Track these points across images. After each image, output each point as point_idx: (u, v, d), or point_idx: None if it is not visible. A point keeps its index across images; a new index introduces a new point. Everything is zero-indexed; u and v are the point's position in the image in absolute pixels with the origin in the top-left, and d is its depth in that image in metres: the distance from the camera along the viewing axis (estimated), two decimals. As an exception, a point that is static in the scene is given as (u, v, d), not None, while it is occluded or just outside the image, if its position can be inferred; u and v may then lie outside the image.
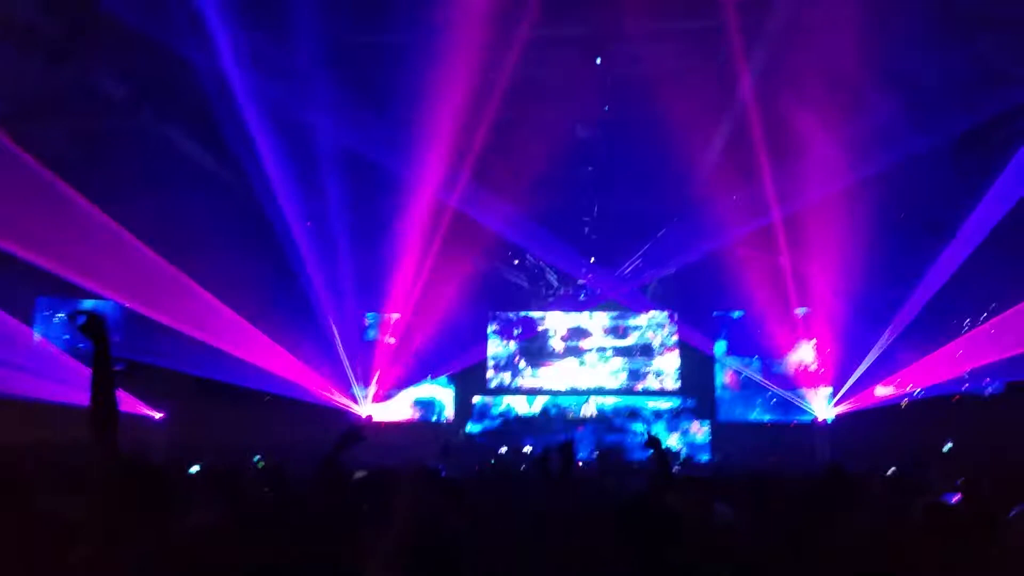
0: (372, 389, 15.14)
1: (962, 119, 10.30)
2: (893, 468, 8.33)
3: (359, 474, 4.90)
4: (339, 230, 13.15)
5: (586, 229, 14.39)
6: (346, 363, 14.65)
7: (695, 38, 9.83)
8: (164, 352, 12.37)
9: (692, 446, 14.68)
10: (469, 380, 15.67)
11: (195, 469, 6.09)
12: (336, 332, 14.38)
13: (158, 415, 13.29)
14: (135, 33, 8.68)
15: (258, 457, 9.24)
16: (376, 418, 15.00)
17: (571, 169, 12.46)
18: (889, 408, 13.61)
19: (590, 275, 15.31)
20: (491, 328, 15.75)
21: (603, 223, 14.16)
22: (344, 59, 9.79)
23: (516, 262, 15.42)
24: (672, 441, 14.60)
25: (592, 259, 14.97)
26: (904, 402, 13.57)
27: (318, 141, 11.28)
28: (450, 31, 9.05)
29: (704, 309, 15.31)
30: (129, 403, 12.52)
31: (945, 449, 10.01)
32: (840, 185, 11.38)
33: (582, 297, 15.63)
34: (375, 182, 12.06)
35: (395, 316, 15.15)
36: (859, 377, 13.90)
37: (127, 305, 12.48)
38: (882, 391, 13.80)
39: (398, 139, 10.98)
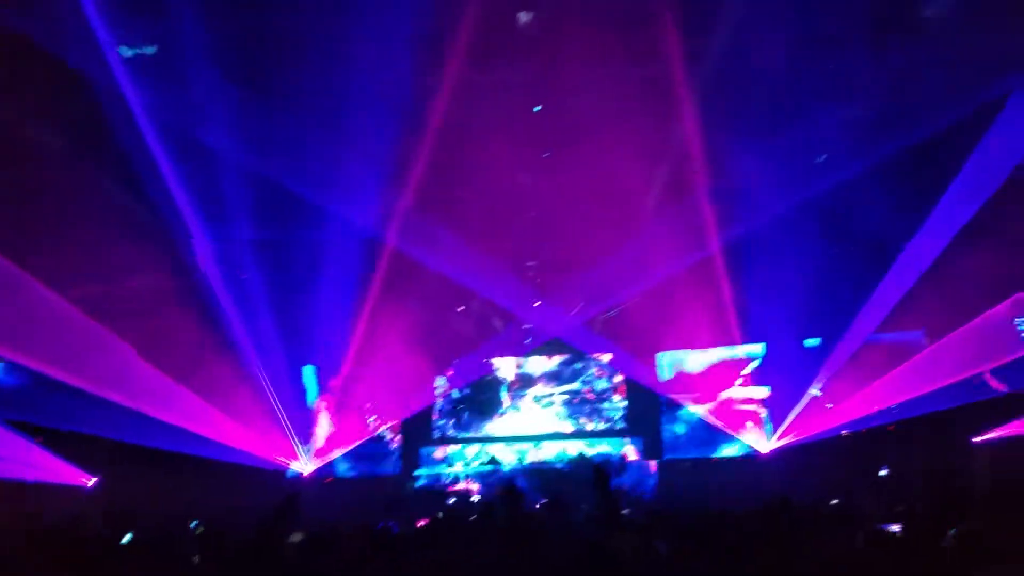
0: (313, 445, 14.70)
1: (902, 137, 10.58)
2: (835, 500, 8.50)
3: (295, 537, 4.77)
4: (265, 274, 12.74)
5: (530, 273, 14.40)
6: (284, 420, 14.12)
7: (634, 81, 10.00)
8: (91, 419, 11.80)
9: (641, 484, 14.66)
10: (415, 430, 15.43)
11: (127, 539, 5.86)
12: (270, 388, 13.80)
13: (90, 483, 12.74)
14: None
15: (195, 523, 8.92)
16: (320, 474, 14.61)
17: (513, 211, 12.41)
18: (830, 440, 13.82)
19: (536, 318, 15.25)
20: (436, 375, 15.60)
21: (547, 265, 14.12)
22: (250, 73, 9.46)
23: (461, 308, 15.31)
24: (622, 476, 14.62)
25: (537, 303, 14.99)
26: (844, 432, 13.81)
27: (229, 169, 10.82)
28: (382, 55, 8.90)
29: (649, 348, 15.40)
30: (61, 472, 12.00)
31: (881, 474, 10.26)
32: (780, 213, 11.63)
33: (528, 340, 15.61)
34: (299, 218, 11.72)
35: (334, 368, 14.72)
36: (801, 409, 14.09)
37: (43, 370, 11.73)
38: (823, 422, 14.00)
39: (325, 172, 10.70)
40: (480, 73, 9.46)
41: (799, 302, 12.98)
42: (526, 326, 15.43)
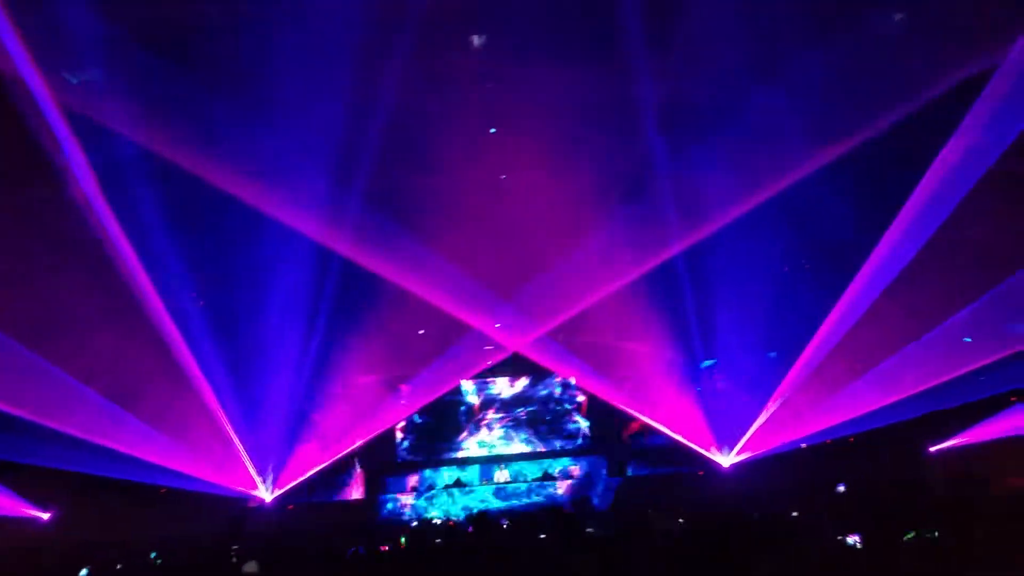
0: (271, 473, 14.30)
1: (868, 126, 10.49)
2: (795, 512, 8.60)
3: (249, 567, 4.70)
4: (209, 289, 12.30)
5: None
6: (240, 447, 13.69)
7: (597, 76, 9.96)
8: (44, 452, 11.46)
9: (603, 501, 14.69)
10: (377, 453, 15.27)
11: (84, 573, 5.73)
12: (224, 415, 13.32)
13: (46, 516, 12.41)
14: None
15: (155, 554, 8.76)
16: (281, 502, 14.33)
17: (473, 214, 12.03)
18: (789, 453, 13.99)
19: (496, 332, 15.04)
20: (397, 396, 15.46)
21: (510, 273, 13.73)
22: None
23: (421, 332, 15.11)
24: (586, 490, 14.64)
25: (497, 324, 14.94)
26: (803, 446, 14.00)
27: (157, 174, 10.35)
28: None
29: (609, 364, 15.27)
30: (15, 506, 11.69)
31: (839, 490, 10.40)
32: (740, 218, 11.62)
33: (488, 352, 15.47)
34: (245, 224, 11.26)
35: (290, 392, 14.19)
36: (761, 423, 14.20)
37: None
38: (783, 436, 14.13)
39: (268, 172, 10.31)
40: (432, 60, 9.30)
41: (759, 314, 13.05)
42: (488, 347, 15.37)
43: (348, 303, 13.19)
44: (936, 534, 5.01)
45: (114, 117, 9.52)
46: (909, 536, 4.26)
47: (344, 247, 12.08)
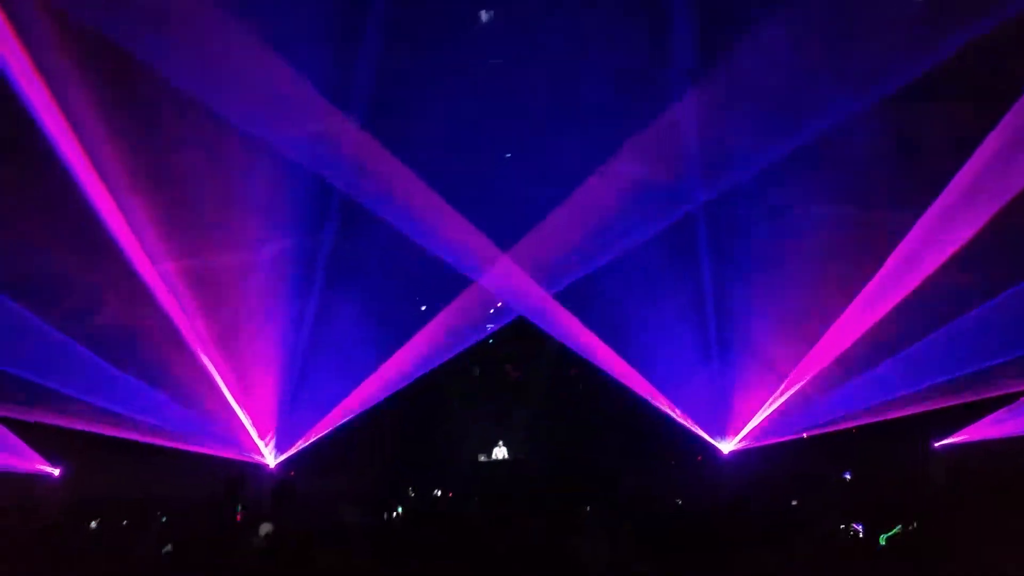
0: (273, 437, 14.03)
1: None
2: (794, 501, 8.66)
3: (265, 527, 4.76)
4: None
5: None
6: (239, 412, 13.43)
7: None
8: (55, 409, 11.53)
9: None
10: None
11: (94, 525, 5.81)
12: (221, 381, 13.01)
13: (56, 472, 12.56)
14: None
15: (162, 516, 8.87)
16: (285, 466, 14.30)
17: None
18: (790, 442, 13.88)
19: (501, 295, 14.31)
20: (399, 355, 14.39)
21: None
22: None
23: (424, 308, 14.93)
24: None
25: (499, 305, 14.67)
26: (804, 436, 13.85)
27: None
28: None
29: (618, 332, 14.16)
30: (26, 460, 11.82)
31: (846, 477, 10.40)
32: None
33: (492, 314, 14.96)
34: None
35: (290, 357, 13.72)
36: (770, 411, 13.79)
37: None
38: (791, 425, 13.68)
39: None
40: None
41: (780, 293, 12.43)
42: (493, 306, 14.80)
43: (347, 252, 12.85)
44: (914, 525, 5.03)
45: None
46: (892, 532, 4.29)
47: (344, 180, 11.71)
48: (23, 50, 8.81)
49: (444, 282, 13.61)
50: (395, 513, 11.00)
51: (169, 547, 4.81)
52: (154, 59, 9.40)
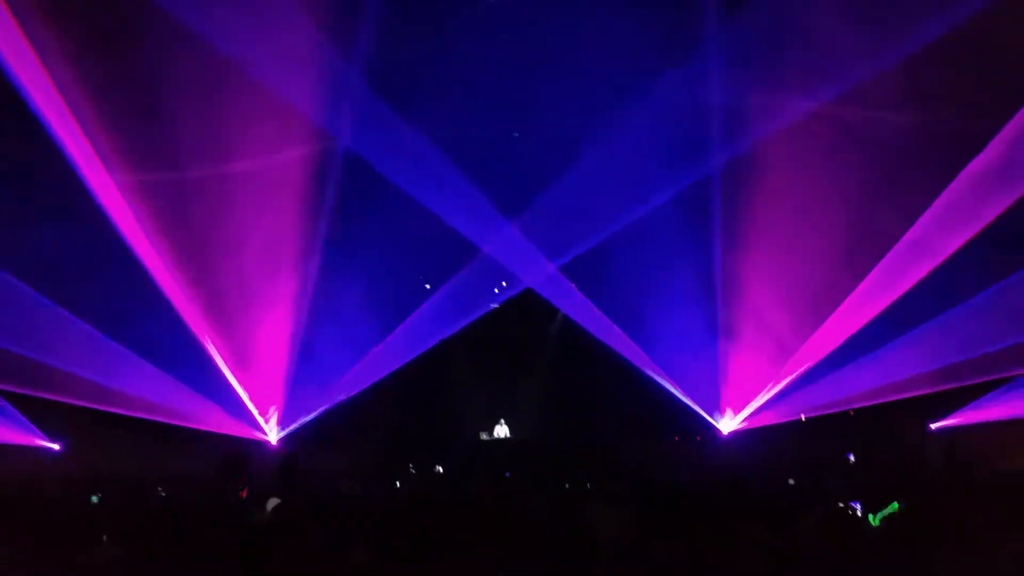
0: (274, 413, 14.15)
1: None
2: (791, 480, 8.72)
3: (272, 502, 4.81)
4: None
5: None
6: (239, 389, 13.47)
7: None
8: (56, 385, 11.55)
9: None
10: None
11: (94, 500, 5.86)
12: (218, 356, 13.03)
13: (56, 447, 12.63)
14: None
15: (162, 491, 8.94)
16: (287, 443, 14.36)
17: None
18: (787, 424, 13.94)
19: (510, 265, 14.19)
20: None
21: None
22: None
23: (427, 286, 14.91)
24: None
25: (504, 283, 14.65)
26: (802, 418, 13.90)
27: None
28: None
29: (627, 307, 14.20)
30: (26, 435, 11.85)
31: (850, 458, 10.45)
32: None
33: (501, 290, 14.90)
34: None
35: (291, 331, 13.59)
36: (773, 393, 13.75)
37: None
38: (794, 406, 13.73)
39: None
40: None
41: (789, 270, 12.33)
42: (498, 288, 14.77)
43: (352, 223, 12.79)
44: (898, 506, 5.06)
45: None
46: (888, 511, 4.33)
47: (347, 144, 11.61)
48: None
49: (448, 255, 13.66)
50: (396, 488, 11.06)
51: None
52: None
